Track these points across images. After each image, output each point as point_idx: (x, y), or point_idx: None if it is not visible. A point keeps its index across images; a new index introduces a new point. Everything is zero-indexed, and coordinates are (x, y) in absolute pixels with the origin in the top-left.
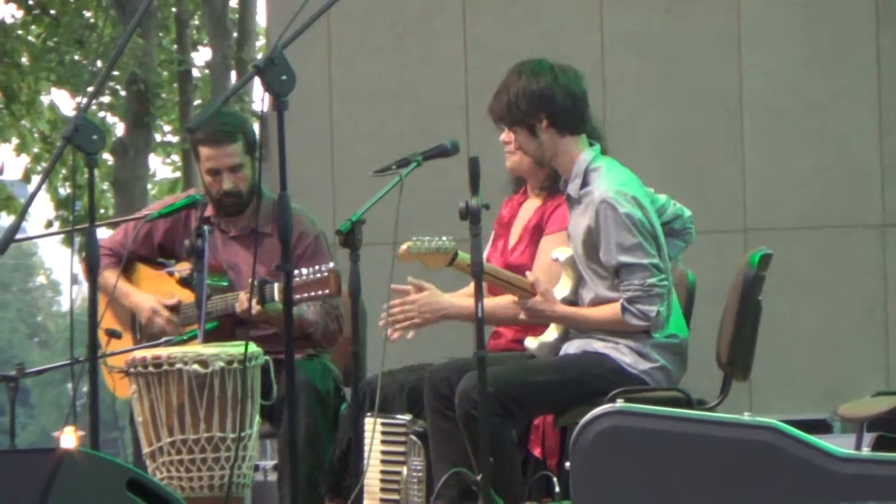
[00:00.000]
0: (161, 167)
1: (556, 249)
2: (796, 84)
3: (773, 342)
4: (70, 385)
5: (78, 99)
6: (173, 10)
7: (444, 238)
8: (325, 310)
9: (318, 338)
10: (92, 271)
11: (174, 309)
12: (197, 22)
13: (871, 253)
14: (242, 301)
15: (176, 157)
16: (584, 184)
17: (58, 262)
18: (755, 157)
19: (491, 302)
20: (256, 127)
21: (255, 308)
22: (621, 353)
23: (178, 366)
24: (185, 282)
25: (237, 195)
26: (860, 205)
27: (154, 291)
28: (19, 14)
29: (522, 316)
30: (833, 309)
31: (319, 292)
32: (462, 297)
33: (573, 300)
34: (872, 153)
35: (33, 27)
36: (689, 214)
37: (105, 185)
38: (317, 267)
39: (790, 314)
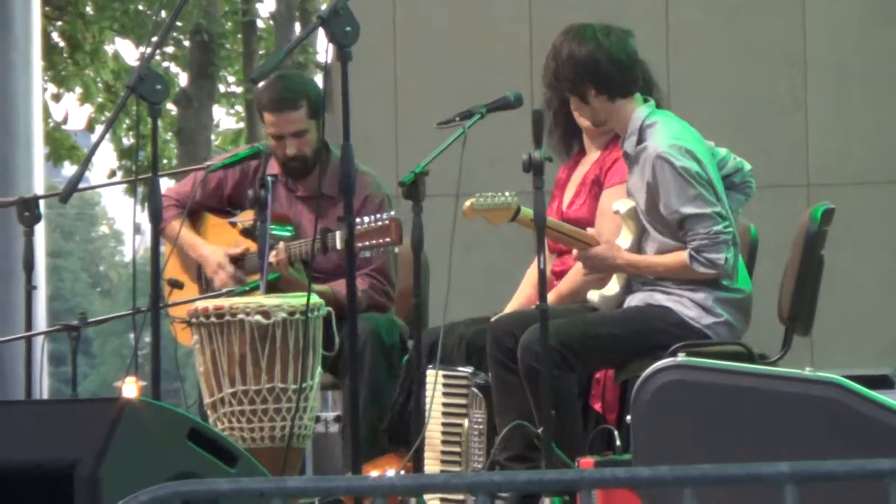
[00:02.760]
0: (225, 118)
1: (617, 202)
2: (860, 39)
3: (836, 297)
4: (132, 335)
5: (142, 49)
6: None
7: (507, 194)
8: (370, 285)
9: (364, 309)
10: (154, 221)
11: (240, 259)
12: None
13: None
14: (279, 252)
15: (240, 108)
16: (640, 140)
17: (121, 211)
18: (818, 112)
19: (564, 287)
20: (320, 79)
21: (282, 259)
22: (685, 306)
23: (241, 316)
24: (247, 232)
25: (302, 159)
26: None
27: (219, 242)
28: None
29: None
30: None
31: (380, 240)
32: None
33: (635, 251)
34: None
35: None
36: (750, 168)
37: (168, 136)
38: (378, 215)
39: (853, 269)
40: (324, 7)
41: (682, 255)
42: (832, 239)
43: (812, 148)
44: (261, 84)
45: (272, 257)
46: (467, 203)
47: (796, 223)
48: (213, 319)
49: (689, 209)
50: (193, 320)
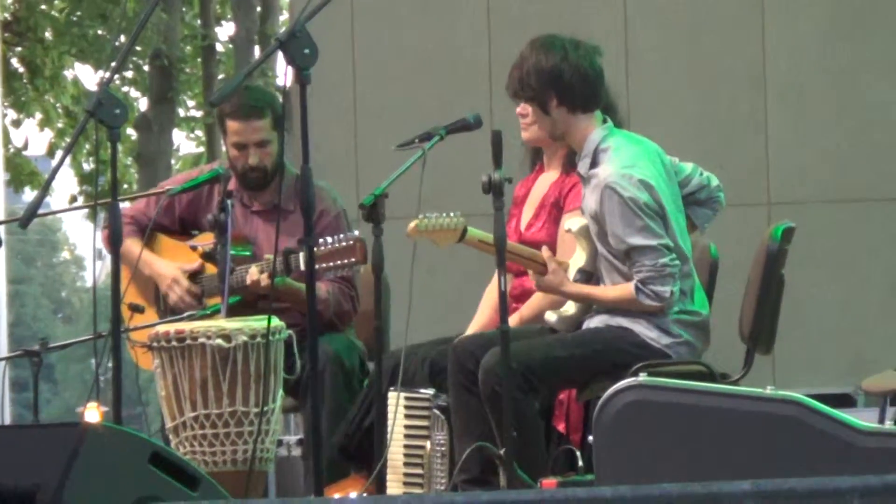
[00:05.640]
0: (185, 142)
1: (569, 220)
2: (820, 56)
3: (797, 316)
4: (94, 361)
5: (101, 73)
6: None
7: (453, 214)
8: (338, 288)
9: (329, 316)
10: (114, 246)
11: (195, 275)
12: None
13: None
14: (252, 273)
15: (200, 132)
16: (593, 164)
17: (82, 237)
18: (779, 130)
19: (526, 312)
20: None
21: (265, 281)
22: (644, 327)
23: (202, 340)
24: (208, 256)
25: (262, 170)
26: (884, 178)
27: (174, 261)
28: None
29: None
30: (857, 283)
31: (346, 261)
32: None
33: (590, 270)
34: None
35: (56, 2)
36: (717, 183)
37: (129, 160)
38: (342, 235)
39: (814, 288)
40: (283, 30)
41: (627, 287)
42: (793, 258)
43: (773, 166)
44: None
45: (250, 280)
46: (412, 224)
47: (756, 242)
48: (174, 343)
49: (635, 240)
50: (154, 344)
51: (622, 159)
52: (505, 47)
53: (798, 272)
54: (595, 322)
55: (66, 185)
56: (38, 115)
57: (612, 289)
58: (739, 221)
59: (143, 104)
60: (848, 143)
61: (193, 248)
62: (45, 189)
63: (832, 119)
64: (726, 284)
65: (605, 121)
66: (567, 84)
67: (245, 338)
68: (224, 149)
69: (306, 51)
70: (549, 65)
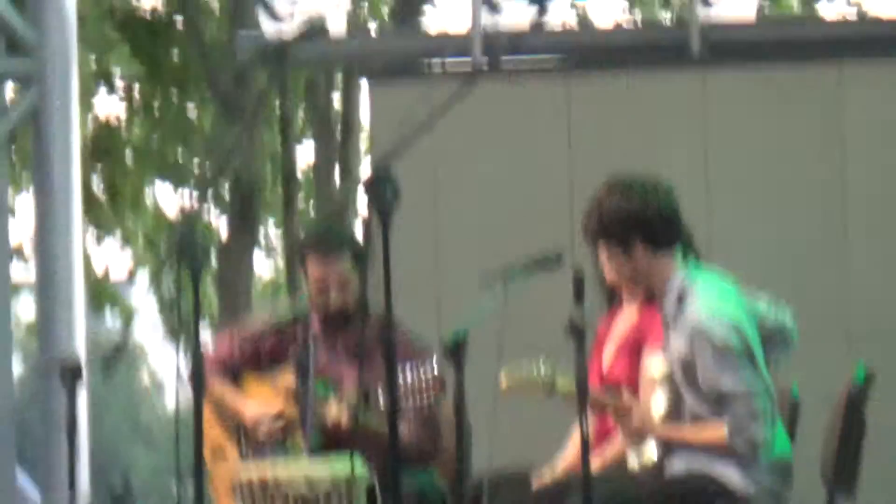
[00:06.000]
0: (264, 263)
1: (652, 363)
2: None
3: (883, 455)
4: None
5: (181, 192)
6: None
7: (542, 366)
8: (421, 430)
9: (410, 459)
10: (196, 396)
11: (279, 417)
12: (301, 116)
13: None
14: (332, 412)
15: (278, 259)
16: (679, 305)
17: (162, 362)
18: (859, 259)
19: (610, 454)
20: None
21: (345, 422)
22: (730, 472)
23: (284, 488)
24: (290, 396)
25: (345, 311)
26: None
27: (259, 400)
28: (123, 115)
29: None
30: None
31: (425, 397)
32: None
33: (673, 413)
34: None
35: (136, 130)
36: (792, 325)
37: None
38: (422, 374)
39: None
40: (364, 156)
41: (719, 432)
42: (875, 393)
43: (853, 295)
44: (304, 233)
45: (330, 422)
46: (502, 382)
47: (834, 375)
48: (256, 491)
49: (728, 387)
50: (238, 490)
51: (709, 301)
52: (585, 178)
53: (881, 408)
54: (676, 465)
55: (146, 310)
56: (119, 234)
57: (705, 430)
58: (816, 354)
59: (223, 226)
60: None
61: (275, 388)
62: (126, 339)
63: None
64: (804, 419)
65: (685, 257)
66: (650, 226)
67: (328, 486)
68: (306, 286)
69: (389, 194)
70: (630, 207)
